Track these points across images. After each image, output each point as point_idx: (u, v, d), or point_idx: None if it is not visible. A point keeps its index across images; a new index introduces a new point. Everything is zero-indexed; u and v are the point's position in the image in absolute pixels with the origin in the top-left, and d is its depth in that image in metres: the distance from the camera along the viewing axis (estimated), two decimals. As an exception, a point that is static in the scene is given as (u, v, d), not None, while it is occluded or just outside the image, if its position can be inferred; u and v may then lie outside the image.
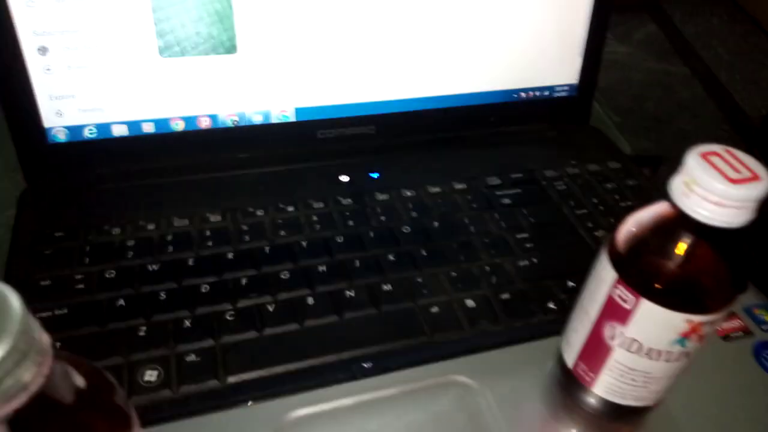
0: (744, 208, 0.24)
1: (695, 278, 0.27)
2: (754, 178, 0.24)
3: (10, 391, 0.16)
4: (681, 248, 0.26)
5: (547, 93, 0.53)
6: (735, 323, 0.39)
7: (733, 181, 0.24)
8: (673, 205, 0.26)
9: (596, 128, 0.56)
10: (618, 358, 0.29)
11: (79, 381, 0.19)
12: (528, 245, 0.42)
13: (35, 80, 0.41)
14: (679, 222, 0.26)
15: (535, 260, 0.41)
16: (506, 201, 0.46)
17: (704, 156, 0.25)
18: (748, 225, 0.25)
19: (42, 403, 0.17)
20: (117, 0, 0.40)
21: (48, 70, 0.41)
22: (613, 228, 0.29)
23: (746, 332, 0.38)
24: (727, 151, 0.25)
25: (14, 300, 0.16)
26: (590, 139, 0.54)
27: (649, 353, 0.28)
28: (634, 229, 0.28)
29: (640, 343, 0.28)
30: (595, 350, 0.30)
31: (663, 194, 0.26)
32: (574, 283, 0.40)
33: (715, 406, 0.34)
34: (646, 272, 0.27)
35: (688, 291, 0.27)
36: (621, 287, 0.27)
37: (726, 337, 0.38)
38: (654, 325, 0.27)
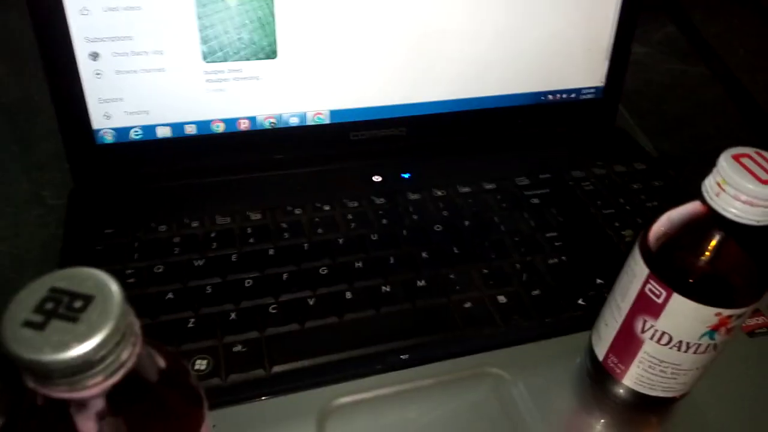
0: (774, 207, 0.25)
1: (725, 274, 0.28)
2: (784, 178, 0.25)
3: (111, 367, 0.17)
4: (711, 245, 0.27)
5: (573, 95, 0.54)
6: (760, 320, 0.40)
7: (763, 182, 0.25)
8: (705, 204, 0.27)
9: (622, 129, 0.57)
10: (648, 350, 0.30)
11: (161, 362, 0.21)
12: (557, 243, 0.44)
13: (86, 84, 0.43)
14: (711, 220, 0.27)
15: (564, 258, 0.43)
16: (535, 201, 0.47)
17: (736, 158, 0.26)
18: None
19: (132, 380, 0.19)
20: (164, 9, 0.42)
21: (98, 74, 0.43)
22: (643, 226, 0.31)
23: (772, 329, 0.39)
24: (758, 153, 0.26)
25: (114, 286, 0.18)
26: (616, 140, 0.55)
27: (679, 345, 0.29)
28: (666, 227, 0.29)
29: (671, 335, 0.29)
30: (626, 343, 0.31)
31: (695, 193, 0.27)
32: (602, 280, 0.41)
33: (740, 398, 0.36)
34: (677, 267, 0.28)
35: (718, 286, 0.28)
36: (653, 282, 0.29)
37: (751, 333, 0.39)
38: (684, 318, 0.28)
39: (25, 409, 0.19)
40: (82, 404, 0.18)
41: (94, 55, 0.43)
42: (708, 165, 0.27)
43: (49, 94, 0.43)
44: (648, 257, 0.29)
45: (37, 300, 0.17)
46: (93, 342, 0.17)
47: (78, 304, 0.17)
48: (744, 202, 0.25)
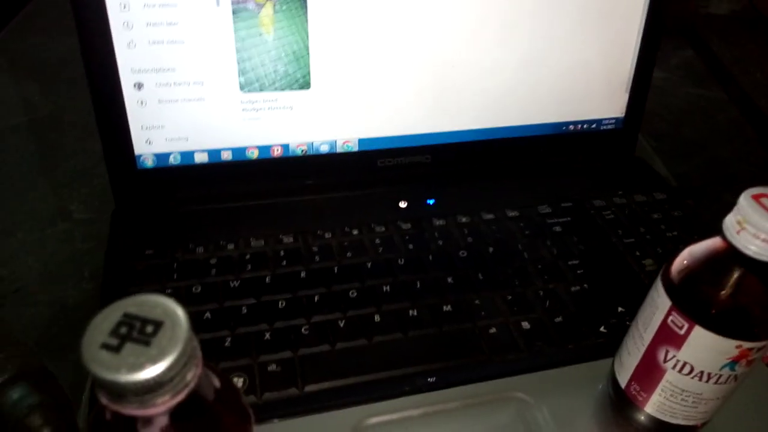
0: (792, 246, 0.27)
1: (745, 307, 0.29)
2: (802, 218, 0.27)
3: (177, 387, 0.19)
4: (732, 280, 0.28)
5: (594, 126, 0.56)
6: (780, 351, 0.40)
7: (782, 221, 0.26)
8: (726, 241, 0.28)
9: (641, 159, 0.58)
10: (670, 379, 0.32)
11: (216, 382, 0.22)
12: (579, 271, 0.45)
13: (130, 112, 0.46)
14: (731, 256, 0.28)
15: (585, 286, 0.44)
16: (557, 229, 0.49)
17: (756, 198, 0.27)
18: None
19: (193, 398, 0.20)
20: (205, 43, 0.44)
21: (142, 103, 0.46)
22: (664, 256, 0.32)
23: (791, 360, 0.40)
24: (777, 193, 0.28)
25: (180, 312, 0.20)
26: (635, 169, 0.57)
27: (701, 376, 0.30)
28: (688, 261, 0.30)
29: (692, 366, 0.30)
30: (649, 371, 0.32)
31: (716, 229, 0.29)
32: (623, 308, 0.42)
33: (760, 428, 0.36)
34: (699, 300, 0.29)
35: (739, 319, 0.29)
36: (675, 314, 0.30)
37: (772, 364, 0.40)
38: (706, 349, 0.29)
39: (94, 424, 0.21)
40: (148, 421, 0.20)
41: (139, 85, 0.45)
42: (725, 194, 0.29)
43: (95, 120, 0.45)
44: (670, 290, 0.30)
45: (112, 324, 0.19)
46: (164, 364, 0.18)
47: (149, 329, 0.19)
48: (763, 241, 0.27)
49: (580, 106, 0.55)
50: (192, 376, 0.20)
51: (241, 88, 0.47)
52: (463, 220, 0.49)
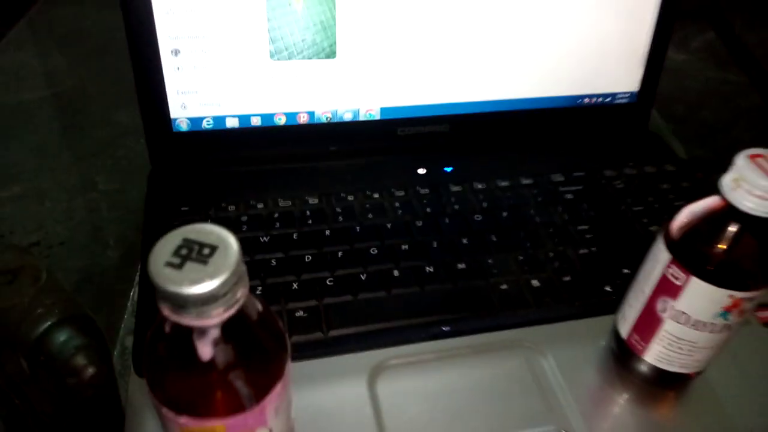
0: (783, 202, 0.29)
1: (738, 260, 0.31)
2: (793, 177, 0.29)
3: (229, 302, 0.22)
4: (727, 235, 0.31)
5: (609, 99, 0.58)
6: (777, 312, 0.43)
7: (775, 179, 0.29)
8: (723, 198, 0.30)
9: (654, 133, 0.60)
10: (668, 328, 0.34)
11: (259, 306, 0.25)
12: (588, 236, 0.47)
13: (167, 77, 0.49)
14: (727, 212, 0.30)
15: (594, 249, 0.46)
16: (569, 196, 0.51)
17: (752, 157, 0.30)
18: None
19: (240, 316, 0.23)
20: (239, 12, 0.47)
21: (178, 69, 0.48)
22: (668, 219, 0.34)
23: (787, 321, 0.42)
24: (772, 154, 0.30)
25: (232, 239, 0.23)
26: (649, 143, 0.59)
27: (696, 324, 0.33)
28: (687, 218, 0.33)
29: (688, 315, 0.33)
30: (648, 322, 0.35)
31: (714, 189, 0.31)
32: (628, 270, 0.45)
33: (751, 381, 0.39)
34: (696, 254, 0.32)
35: (732, 271, 0.31)
36: (674, 267, 0.32)
37: (767, 323, 0.42)
38: (701, 299, 0.32)
39: (153, 338, 0.24)
40: (202, 332, 0.23)
41: (176, 52, 0.48)
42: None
43: (135, 85, 0.48)
44: (670, 245, 0.33)
45: (174, 247, 0.22)
46: (219, 279, 0.21)
47: (206, 251, 0.22)
48: (758, 197, 0.29)
49: (596, 79, 0.57)
50: (241, 294, 0.23)
51: (271, 56, 0.49)
52: (479, 186, 0.51)
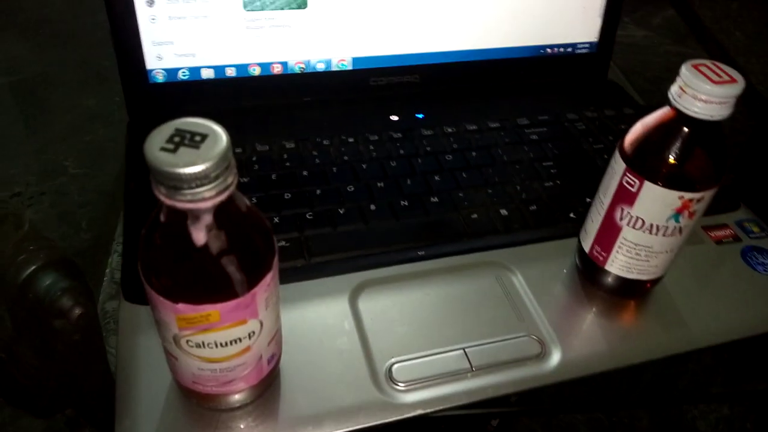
0: (725, 104, 0.32)
1: (686, 163, 0.34)
2: (733, 81, 0.32)
3: (221, 186, 0.24)
4: (676, 140, 0.34)
5: (569, 49, 0.61)
6: (727, 232, 0.46)
7: (717, 83, 0.31)
8: (671, 107, 0.33)
9: (614, 82, 0.63)
10: (626, 235, 0.37)
11: (246, 201, 0.27)
12: (553, 171, 0.50)
13: (142, 28, 0.49)
14: (676, 119, 0.33)
15: (558, 182, 0.49)
16: (534, 137, 0.54)
17: (695, 66, 0.32)
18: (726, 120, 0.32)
19: (231, 205, 0.25)
20: (211, -39, 0.48)
21: (153, 20, 0.49)
22: (624, 133, 0.37)
23: (736, 239, 0.46)
24: (714, 63, 0.33)
25: (220, 129, 0.24)
26: (608, 91, 0.62)
27: (651, 228, 0.36)
28: (640, 129, 0.35)
29: (643, 220, 0.36)
30: (608, 232, 0.38)
31: (664, 101, 0.34)
32: (590, 199, 0.47)
33: (707, 292, 0.42)
34: (648, 160, 0.35)
35: (681, 174, 0.34)
36: (629, 174, 0.35)
37: (719, 242, 0.46)
38: (654, 203, 0.35)
39: (150, 229, 0.26)
40: (196, 217, 0.24)
41: (150, 2, 0.49)
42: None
43: (111, 36, 0.49)
44: (624, 155, 0.36)
45: (167, 136, 0.24)
46: (212, 161, 0.23)
47: (198, 138, 0.24)
48: (702, 101, 0.32)
49: (557, 30, 0.59)
50: (232, 180, 0.24)
51: (244, 6, 0.50)
52: (449, 130, 0.54)
